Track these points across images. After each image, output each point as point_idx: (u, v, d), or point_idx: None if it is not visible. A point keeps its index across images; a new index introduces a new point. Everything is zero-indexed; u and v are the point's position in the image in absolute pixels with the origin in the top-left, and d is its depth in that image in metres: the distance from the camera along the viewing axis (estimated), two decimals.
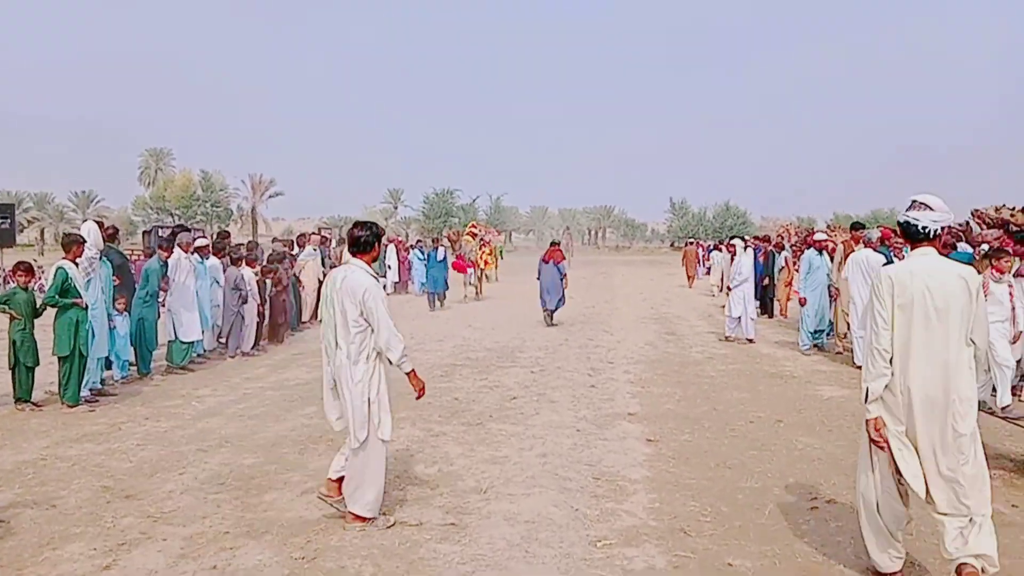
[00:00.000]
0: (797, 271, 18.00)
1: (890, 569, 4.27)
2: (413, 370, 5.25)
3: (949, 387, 3.99)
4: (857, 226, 12.05)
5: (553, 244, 17.49)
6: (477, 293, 22.77)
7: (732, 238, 19.49)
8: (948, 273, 4.07)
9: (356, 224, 5.34)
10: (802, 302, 12.16)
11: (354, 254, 5.21)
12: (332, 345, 5.09)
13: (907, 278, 4.08)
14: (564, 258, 16.87)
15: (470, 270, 22.39)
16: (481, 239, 24.54)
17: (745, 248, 14.36)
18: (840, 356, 11.74)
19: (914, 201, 4.28)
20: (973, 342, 4.03)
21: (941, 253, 4.24)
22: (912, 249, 4.29)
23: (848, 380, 10.07)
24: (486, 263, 24.86)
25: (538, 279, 16.07)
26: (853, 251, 11.25)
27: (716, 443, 7.08)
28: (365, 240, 5.18)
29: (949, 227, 4.39)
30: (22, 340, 8.18)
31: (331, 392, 5.20)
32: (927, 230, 4.16)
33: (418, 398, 5.35)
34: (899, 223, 4.38)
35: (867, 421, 4.36)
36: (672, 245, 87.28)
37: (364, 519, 5.05)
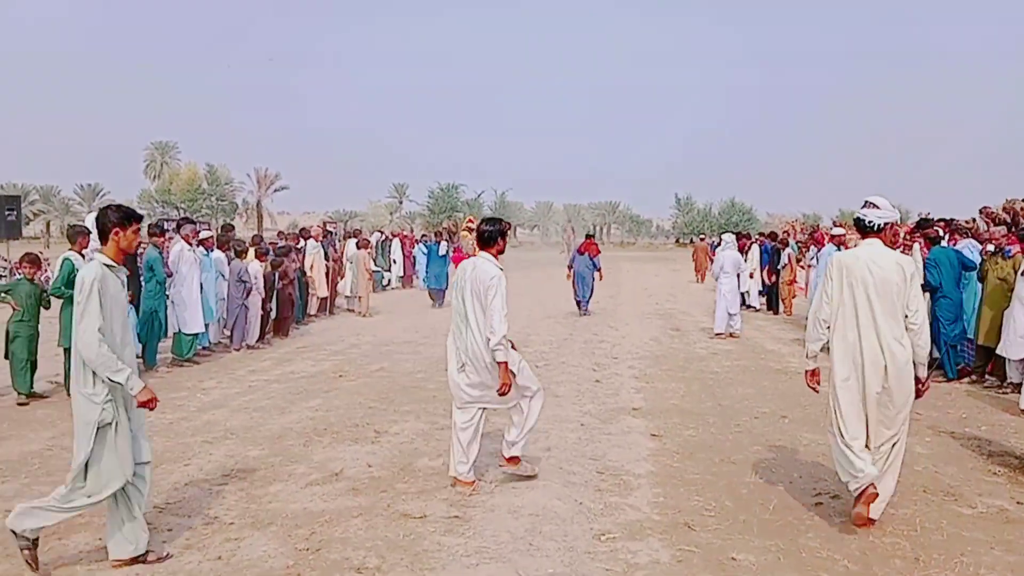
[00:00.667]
0: (802, 267, 18.01)
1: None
2: (505, 363, 5.51)
3: (886, 351, 4.83)
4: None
5: (588, 237, 18.41)
6: None
7: (739, 234, 19.45)
8: (888, 259, 4.91)
9: (484, 220, 5.99)
10: None
11: (482, 247, 5.77)
12: (463, 329, 5.65)
13: (853, 262, 4.96)
14: (599, 251, 17.37)
15: None
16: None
17: (756, 243, 14.38)
18: None
19: (866, 201, 5.10)
20: (906, 317, 4.86)
21: (891, 244, 5.16)
22: (862, 239, 5.11)
23: None
24: None
25: (569, 268, 17.18)
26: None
27: (720, 438, 7.08)
28: (490, 235, 5.74)
29: (894, 223, 5.13)
30: (16, 332, 8.21)
31: (458, 371, 5.71)
32: (873, 224, 5.03)
33: (502, 394, 5.57)
34: (854, 219, 5.26)
35: (806, 372, 5.41)
36: (677, 241, 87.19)
37: (518, 461, 5.81)
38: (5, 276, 18.54)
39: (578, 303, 16.86)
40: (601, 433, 7.22)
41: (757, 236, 21.52)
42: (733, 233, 16.32)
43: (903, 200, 78.05)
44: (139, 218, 4.48)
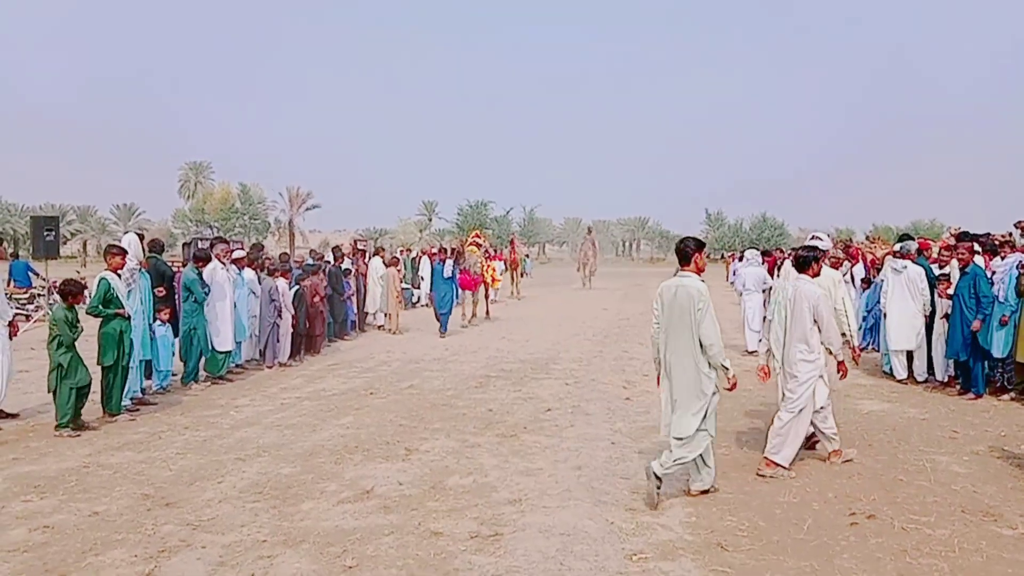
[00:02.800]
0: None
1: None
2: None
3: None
4: (905, 237, 11.81)
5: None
6: (472, 316, 18.88)
7: (767, 251, 19.27)
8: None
9: (803, 247, 7.06)
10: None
11: (800, 271, 6.68)
12: (781, 341, 6.57)
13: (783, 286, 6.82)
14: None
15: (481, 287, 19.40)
16: (486, 251, 21.14)
17: (789, 259, 14.22)
18: (879, 370, 11.49)
19: (814, 235, 7.19)
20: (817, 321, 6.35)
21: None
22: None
23: (888, 394, 9.91)
24: (494, 279, 21.70)
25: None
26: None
27: (753, 457, 6.99)
28: (805, 260, 6.66)
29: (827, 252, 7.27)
30: (68, 362, 7.86)
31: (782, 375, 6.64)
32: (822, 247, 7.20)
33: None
34: (805, 246, 6.98)
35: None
36: (708, 257, 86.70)
37: (778, 465, 6.34)
38: (43, 295, 18.87)
39: None
40: (632, 451, 7.17)
41: (790, 251, 21.31)
42: (758, 249, 16.13)
43: (939, 216, 77.07)
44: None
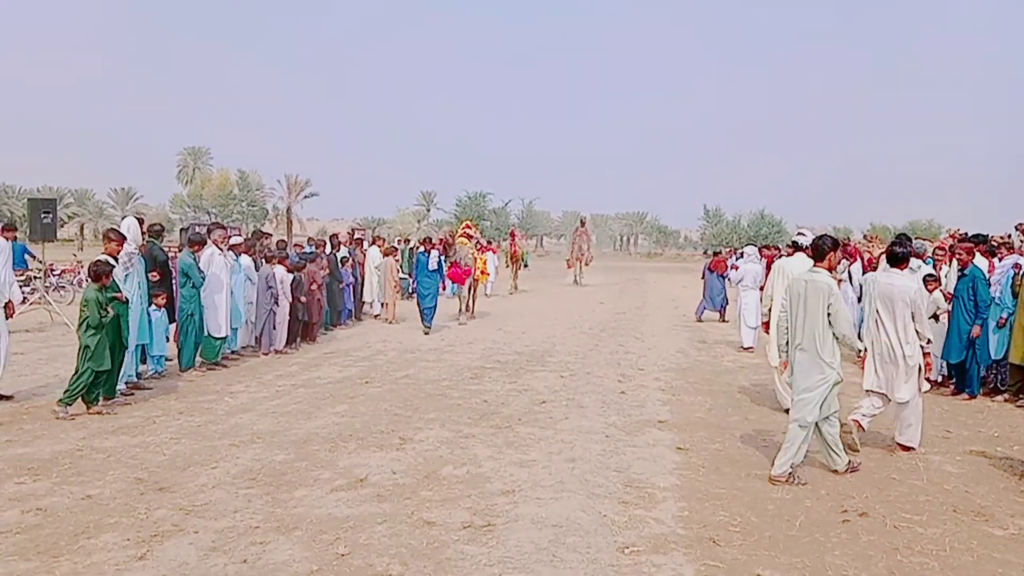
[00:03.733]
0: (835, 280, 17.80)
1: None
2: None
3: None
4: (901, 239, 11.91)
5: (716, 255, 20.02)
6: (464, 310, 17.64)
7: (766, 246, 19.28)
8: (813, 281, 6.49)
9: (894, 243, 7.54)
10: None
11: (892, 264, 7.20)
12: (887, 333, 7.01)
13: (792, 272, 7.69)
14: (727, 268, 18.10)
15: (468, 280, 17.61)
16: (477, 242, 19.44)
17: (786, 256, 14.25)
18: None
19: (799, 230, 8.24)
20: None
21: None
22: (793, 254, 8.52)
23: None
24: (482, 273, 19.57)
25: (703, 280, 19.53)
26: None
27: (747, 453, 7.02)
28: (902, 255, 7.08)
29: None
30: (96, 344, 7.82)
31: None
32: (802, 244, 8.14)
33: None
34: (792, 241, 8.26)
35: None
36: (705, 252, 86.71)
37: (911, 448, 7.02)
38: (40, 278, 18.82)
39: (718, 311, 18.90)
40: (626, 445, 7.18)
41: (787, 248, 21.30)
42: (756, 246, 16.12)
43: (937, 216, 77.14)
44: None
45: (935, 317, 9.86)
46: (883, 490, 6.02)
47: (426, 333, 15.05)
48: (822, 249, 6.43)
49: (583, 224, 32.35)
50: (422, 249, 16.27)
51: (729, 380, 10.66)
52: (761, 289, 13.85)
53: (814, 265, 6.49)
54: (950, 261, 10.29)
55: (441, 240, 17.31)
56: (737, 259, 20.25)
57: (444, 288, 18.27)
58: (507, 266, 27.73)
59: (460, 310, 17.52)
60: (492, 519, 5.22)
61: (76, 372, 7.86)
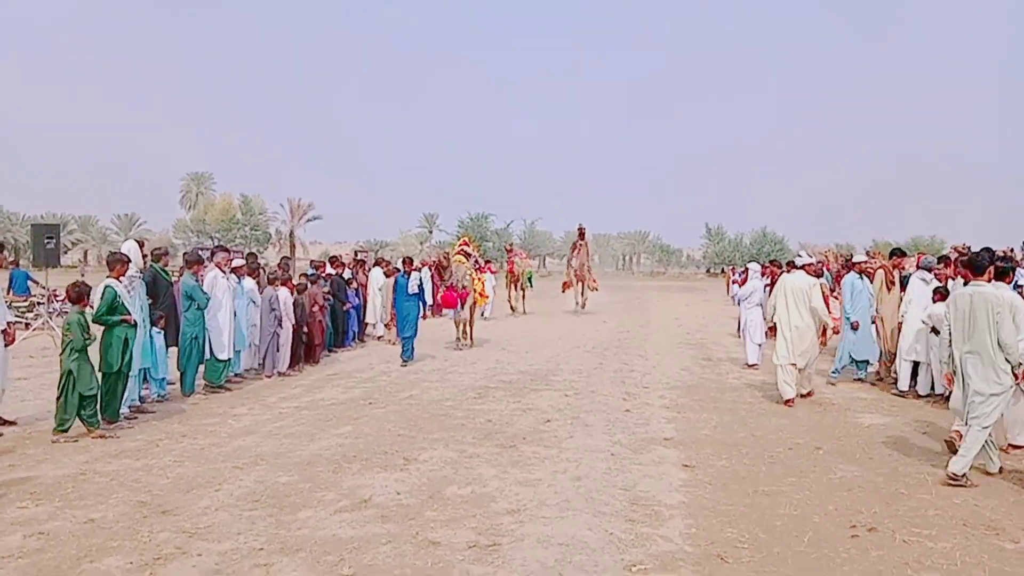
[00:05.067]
0: (836, 298, 17.75)
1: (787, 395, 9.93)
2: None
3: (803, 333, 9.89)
4: (897, 252, 11.96)
5: (772, 263, 18.76)
6: (462, 336, 16.50)
7: (772, 263, 19.27)
8: (802, 280, 9.96)
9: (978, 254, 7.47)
10: (855, 326, 11.48)
11: (998, 279, 6.99)
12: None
13: (792, 280, 10.11)
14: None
15: (460, 303, 15.93)
16: (476, 260, 17.62)
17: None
18: (880, 384, 11.46)
19: (799, 252, 10.97)
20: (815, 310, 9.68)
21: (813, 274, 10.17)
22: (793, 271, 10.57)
23: (889, 408, 9.88)
24: (481, 295, 17.71)
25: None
26: (893, 274, 11.53)
27: (754, 469, 6.97)
28: (982, 264, 6.87)
29: (811, 264, 10.55)
30: (78, 369, 7.80)
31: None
32: (801, 263, 10.46)
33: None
34: (790, 261, 11.48)
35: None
36: (708, 271, 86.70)
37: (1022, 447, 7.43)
38: (43, 303, 18.84)
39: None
40: (632, 463, 7.14)
41: (786, 266, 21.27)
42: (759, 263, 16.11)
43: (939, 232, 77.16)
44: None
45: (935, 331, 9.82)
46: (891, 505, 5.97)
47: (403, 365, 13.38)
48: (981, 264, 6.76)
49: (582, 235, 25.89)
50: (401, 271, 14.59)
51: (735, 397, 10.61)
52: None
53: (974, 279, 6.77)
54: (955, 276, 10.26)
55: (435, 261, 16.19)
56: (738, 276, 20.21)
57: (425, 316, 17.64)
58: (506, 287, 25.83)
59: (457, 336, 16.35)
60: (498, 538, 5.18)
61: (62, 398, 7.79)
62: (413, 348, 13.84)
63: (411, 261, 14.63)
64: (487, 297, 19.27)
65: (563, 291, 26.43)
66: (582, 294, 25.77)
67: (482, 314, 21.56)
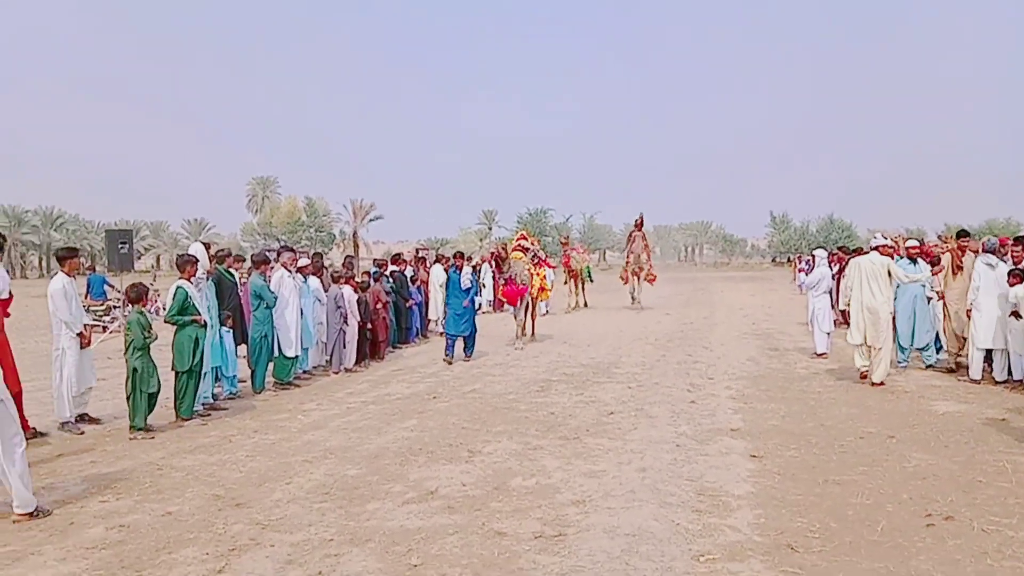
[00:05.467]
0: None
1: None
2: None
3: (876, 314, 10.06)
4: (963, 234, 11.49)
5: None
6: (522, 334, 15.67)
7: (842, 248, 18.81)
8: (876, 259, 10.24)
9: None
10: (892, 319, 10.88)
11: None
12: None
13: (865, 262, 10.40)
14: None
15: (525, 299, 15.59)
16: (535, 254, 16.87)
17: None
18: (953, 372, 11.08)
19: (874, 235, 10.95)
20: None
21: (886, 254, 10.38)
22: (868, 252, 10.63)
23: (964, 394, 9.57)
24: (541, 290, 17.09)
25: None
26: (961, 258, 11.04)
27: (824, 459, 6.83)
28: None
29: (884, 245, 10.43)
30: (143, 367, 8.10)
31: None
32: (875, 244, 10.51)
33: None
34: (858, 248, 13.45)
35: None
36: (774, 260, 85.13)
37: None
38: (119, 307, 19.50)
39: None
40: (698, 454, 7.06)
41: (854, 252, 20.72)
42: (825, 249, 15.68)
43: (1015, 214, 74.26)
44: None
45: (1015, 315, 9.50)
46: (969, 493, 5.79)
47: (448, 363, 12.98)
48: None
49: (639, 225, 24.47)
50: (453, 265, 14.15)
51: (803, 387, 10.41)
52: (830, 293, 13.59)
53: None
54: None
55: (492, 254, 15.85)
56: (804, 264, 19.71)
57: (484, 309, 17.53)
58: (565, 282, 25.25)
59: (517, 334, 15.57)
60: (563, 529, 5.18)
61: (132, 397, 8.07)
62: (475, 344, 13.74)
63: (462, 255, 14.36)
64: (548, 292, 18.42)
65: (623, 282, 24.84)
66: (638, 288, 24.27)
67: (545, 311, 21.46)
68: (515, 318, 15.72)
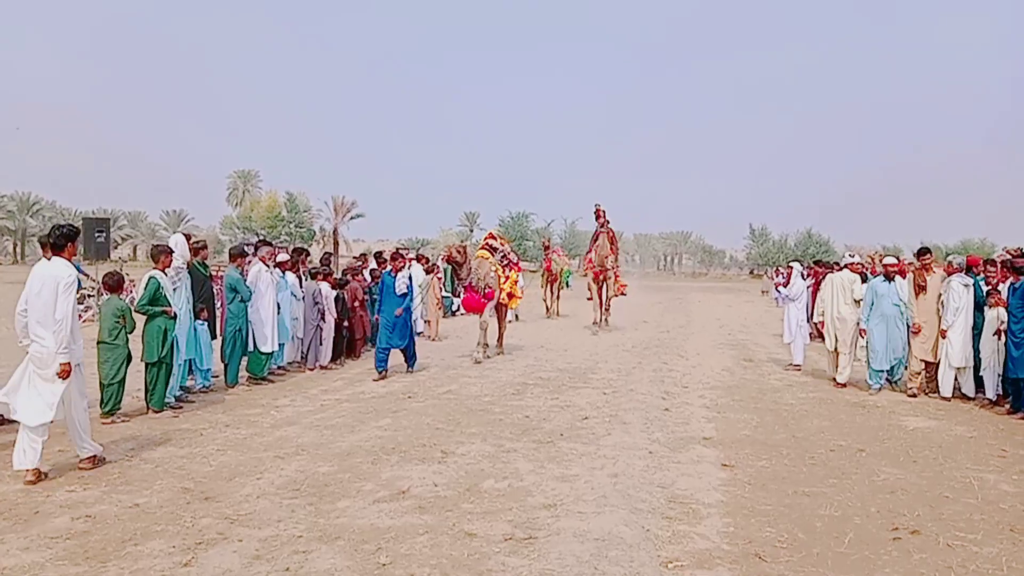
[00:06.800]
0: None
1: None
2: None
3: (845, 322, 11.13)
4: (924, 252, 10.98)
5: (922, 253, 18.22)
6: (485, 344, 13.86)
7: (819, 263, 18.98)
8: (847, 276, 11.61)
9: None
10: (862, 333, 11.06)
11: None
12: None
13: (837, 277, 11.79)
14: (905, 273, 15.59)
15: (489, 306, 13.87)
16: (504, 255, 14.68)
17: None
18: (913, 398, 10.58)
19: (848, 254, 12.84)
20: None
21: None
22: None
23: (935, 411, 9.68)
24: (510, 296, 14.74)
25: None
26: (925, 277, 10.61)
27: (794, 470, 6.89)
28: None
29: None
30: (106, 354, 8.13)
31: None
32: (846, 262, 12.07)
33: None
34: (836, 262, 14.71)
35: None
36: (751, 272, 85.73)
37: None
38: (93, 296, 19.28)
39: None
40: (670, 461, 7.09)
41: (835, 266, 20.90)
42: (801, 263, 15.87)
43: (990, 235, 75.37)
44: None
45: (998, 333, 9.63)
46: (935, 508, 5.86)
47: (381, 379, 11.30)
48: None
49: (599, 216, 18.90)
50: (388, 267, 12.14)
51: (776, 398, 10.49)
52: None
53: None
54: (1005, 279, 10.01)
55: (445, 256, 13.97)
56: (780, 278, 19.80)
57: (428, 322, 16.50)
58: (542, 286, 24.35)
59: (479, 343, 13.75)
60: (534, 532, 5.18)
61: (106, 384, 8.11)
62: (415, 356, 12.30)
63: (400, 255, 12.22)
64: (519, 298, 16.00)
65: (589, 293, 19.94)
66: (603, 302, 19.23)
67: (515, 317, 20.37)
68: (480, 327, 13.92)
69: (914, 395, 10.62)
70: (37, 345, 6.17)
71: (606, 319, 19.42)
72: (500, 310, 14.76)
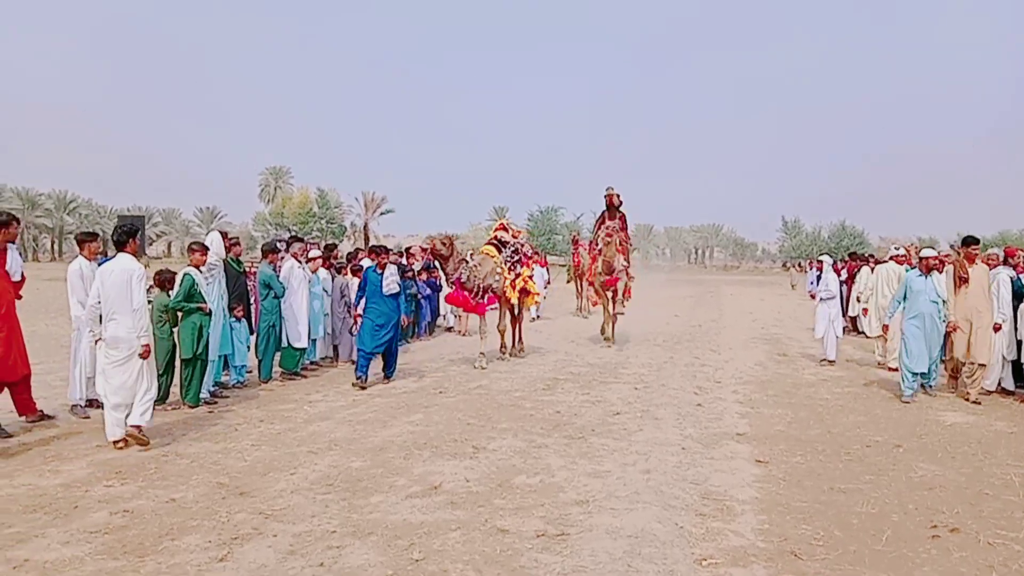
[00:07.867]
0: None
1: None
2: None
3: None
4: (971, 241, 10.22)
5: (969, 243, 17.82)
6: (489, 346, 12.82)
7: (853, 255, 18.74)
8: (892, 268, 12.72)
9: None
10: (884, 330, 10.87)
11: None
12: None
13: (883, 269, 13.07)
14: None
15: (490, 307, 12.76)
16: (515, 248, 13.08)
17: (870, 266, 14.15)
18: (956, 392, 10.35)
19: (894, 246, 13.23)
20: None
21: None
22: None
23: (973, 405, 9.51)
24: (525, 292, 13.21)
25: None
26: (967, 269, 9.97)
27: (830, 466, 6.80)
28: None
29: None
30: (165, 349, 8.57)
31: None
32: (891, 254, 12.78)
33: None
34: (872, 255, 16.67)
35: None
36: (784, 265, 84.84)
37: None
38: None
39: None
40: (703, 458, 7.04)
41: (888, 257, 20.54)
42: (831, 256, 15.74)
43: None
44: None
45: None
46: (975, 505, 5.76)
47: (360, 387, 10.14)
48: None
49: (612, 201, 14.76)
50: (373, 264, 11.07)
51: (810, 393, 10.37)
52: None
53: None
54: None
55: (427, 250, 12.60)
56: (815, 271, 19.51)
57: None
58: (568, 282, 23.41)
59: (481, 351, 12.43)
60: (566, 528, 5.17)
61: (167, 375, 8.60)
62: (396, 362, 11.05)
63: (386, 251, 11.21)
64: (537, 295, 14.73)
65: (575, 279, 19.34)
66: (611, 305, 15.26)
67: (535, 317, 19.37)
68: (480, 329, 12.75)
69: (977, 402, 9.68)
70: (113, 327, 7.04)
71: (613, 326, 15.62)
72: (515, 310, 13.54)
